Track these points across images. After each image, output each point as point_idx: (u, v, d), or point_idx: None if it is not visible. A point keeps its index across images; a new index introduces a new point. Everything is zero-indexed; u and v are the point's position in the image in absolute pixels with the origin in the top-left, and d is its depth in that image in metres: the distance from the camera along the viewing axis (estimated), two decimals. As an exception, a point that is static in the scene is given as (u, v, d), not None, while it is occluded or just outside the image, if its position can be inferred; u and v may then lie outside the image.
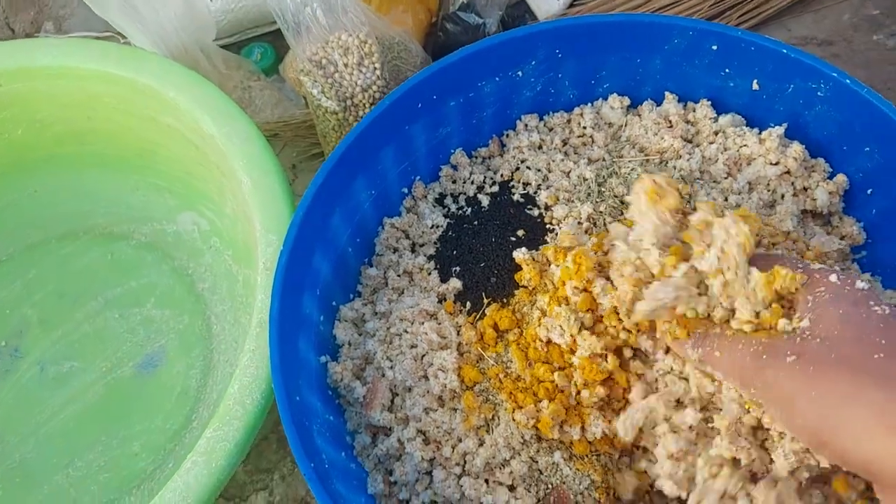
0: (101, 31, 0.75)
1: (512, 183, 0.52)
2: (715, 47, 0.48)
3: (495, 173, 0.53)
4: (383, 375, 0.44)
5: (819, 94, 0.46)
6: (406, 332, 0.46)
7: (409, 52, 0.65)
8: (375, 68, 0.57)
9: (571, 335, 0.41)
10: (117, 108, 0.57)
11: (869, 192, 0.47)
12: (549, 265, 0.45)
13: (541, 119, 0.54)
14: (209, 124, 0.52)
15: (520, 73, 0.51)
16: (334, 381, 0.44)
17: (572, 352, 0.41)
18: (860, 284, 0.33)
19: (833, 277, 0.34)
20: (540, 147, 0.53)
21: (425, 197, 0.53)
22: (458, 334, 0.46)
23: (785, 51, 0.46)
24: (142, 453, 0.55)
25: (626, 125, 0.52)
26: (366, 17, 0.57)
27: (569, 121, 0.54)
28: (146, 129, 0.57)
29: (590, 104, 0.54)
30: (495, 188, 0.52)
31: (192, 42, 0.60)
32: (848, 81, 0.45)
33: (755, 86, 0.49)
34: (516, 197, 0.51)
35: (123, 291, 0.62)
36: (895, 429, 0.27)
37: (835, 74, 0.45)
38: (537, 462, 0.41)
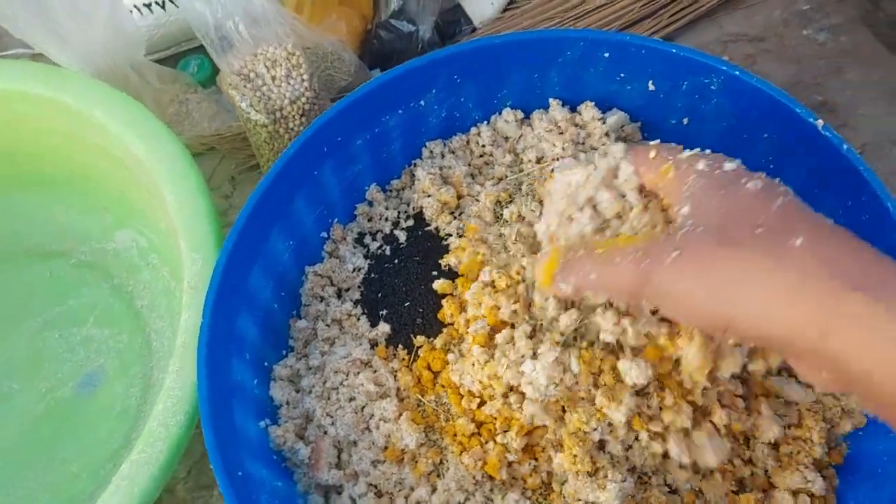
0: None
1: (425, 215, 0.52)
2: (607, 55, 0.49)
3: (408, 205, 0.53)
4: (325, 433, 0.44)
5: (712, 87, 0.48)
6: (343, 384, 0.45)
7: (343, 60, 0.65)
8: (304, 80, 0.57)
9: (480, 382, 0.41)
10: (43, 129, 0.57)
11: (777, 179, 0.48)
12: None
13: (445, 144, 0.54)
14: (135, 144, 0.52)
15: (422, 102, 0.51)
16: (277, 445, 0.43)
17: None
18: (728, 166, 0.33)
19: (701, 165, 0.33)
20: (444, 179, 0.53)
21: (344, 239, 0.52)
22: (395, 380, 0.46)
23: (674, 50, 0.47)
24: (82, 474, 0.55)
25: (520, 137, 0.53)
26: (292, 28, 0.57)
27: (468, 142, 0.54)
28: (75, 148, 0.57)
29: (485, 122, 0.54)
30: (410, 222, 0.52)
31: (122, 59, 0.60)
32: (737, 73, 0.46)
33: (651, 86, 0.49)
34: (432, 228, 0.51)
35: (62, 311, 0.61)
36: (791, 297, 0.28)
37: (724, 67, 0.46)
38: (492, 500, 0.41)
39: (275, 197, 0.46)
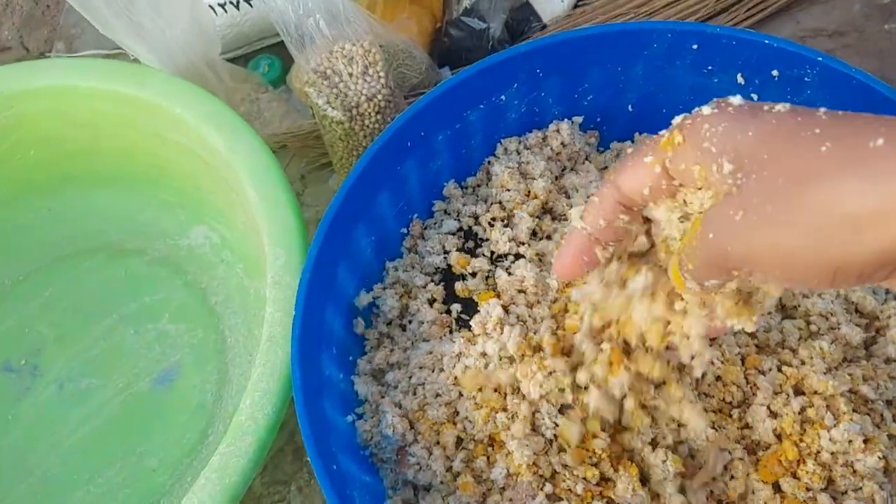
0: (111, 48, 0.75)
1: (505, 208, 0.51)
2: (695, 46, 0.48)
3: (485, 202, 0.52)
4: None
5: (806, 79, 0.46)
6: (428, 380, 0.44)
7: (414, 58, 0.65)
8: (380, 76, 0.57)
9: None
10: (125, 126, 0.58)
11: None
12: None
13: (520, 141, 0.54)
14: (216, 139, 0.53)
15: (503, 97, 0.50)
16: (364, 440, 0.43)
17: None
18: (735, 101, 0.28)
19: (706, 109, 0.28)
20: (523, 174, 0.52)
21: (422, 235, 0.52)
22: None
23: (766, 41, 0.45)
24: (160, 468, 0.55)
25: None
26: (369, 26, 0.57)
27: (545, 138, 0.53)
28: (154, 145, 0.58)
29: (566, 119, 0.53)
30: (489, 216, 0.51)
31: (199, 58, 0.60)
32: (835, 64, 0.44)
33: (740, 79, 0.48)
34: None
35: (138, 307, 0.62)
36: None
37: (820, 59, 0.44)
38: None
39: (361, 191, 0.46)
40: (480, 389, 0.41)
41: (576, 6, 0.70)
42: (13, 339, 0.61)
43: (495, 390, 0.41)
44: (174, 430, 0.57)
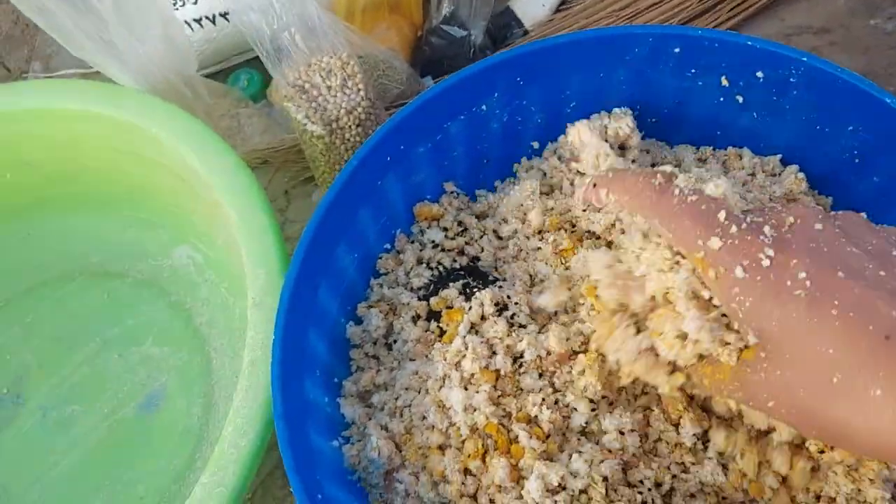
0: (87, 67, 0.74)
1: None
2: (677, 50, 0.47)
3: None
4: None
5: (792, 80, 0.45)
6: (414, 402, 0.43)
7: (395, 69, 0.64)
8: (359, 89, 0.56)
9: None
10: (102, 147, 0.56)
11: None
12: None
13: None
14: (193, 158, 0.51)
15: (484, 107, 0.49)
16: (351, 464, 0.42)
17: None
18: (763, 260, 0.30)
19: (739, 271, 0.30)
20: None
21: (406, 251, 0.51)
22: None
23: (749, 42, 0.45)
24: (147, 496, 0.54)
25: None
26: (346, 38, 0.56)
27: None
28: (132, 165, 0.57)
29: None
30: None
31: (175, 75, 0.59)
32: (820, 64, 0.43)
33: (724, 82, 0.47)
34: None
35: (122, 330, 0.61)
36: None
37: (805, 59, 0.44)
38: None
39: (340, 209, 0.45)
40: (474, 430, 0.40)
41: (557, 10, 0.69)
42: (-5, 368, 0.60)
43: (481, 437, 0.40)
44: (161, 456, 0.55)
